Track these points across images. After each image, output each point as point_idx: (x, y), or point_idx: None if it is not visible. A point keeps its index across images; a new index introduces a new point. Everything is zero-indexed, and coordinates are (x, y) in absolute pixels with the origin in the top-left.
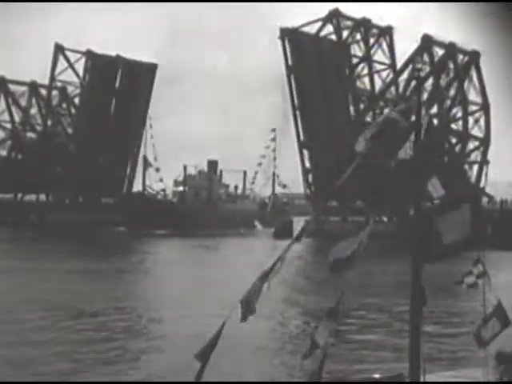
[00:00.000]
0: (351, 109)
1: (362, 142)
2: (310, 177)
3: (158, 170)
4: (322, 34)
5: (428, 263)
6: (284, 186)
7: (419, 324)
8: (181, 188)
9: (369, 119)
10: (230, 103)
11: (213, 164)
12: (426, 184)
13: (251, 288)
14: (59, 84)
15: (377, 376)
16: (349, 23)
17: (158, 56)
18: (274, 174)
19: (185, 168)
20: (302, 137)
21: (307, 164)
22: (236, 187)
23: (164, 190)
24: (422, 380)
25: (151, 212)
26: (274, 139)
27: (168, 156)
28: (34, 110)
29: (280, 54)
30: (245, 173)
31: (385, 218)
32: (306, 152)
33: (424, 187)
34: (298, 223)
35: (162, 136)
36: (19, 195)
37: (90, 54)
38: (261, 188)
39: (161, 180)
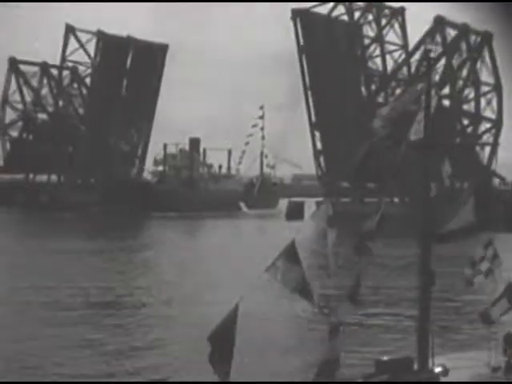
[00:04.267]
0: (363, 89)
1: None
2: (322, 158)
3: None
4: (334, 14)
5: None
6: (272, 167)
7: (428, 306)
8: (160, 167)
9: (381, 100)
10: (237, 83)
11: (195, 142)
12: (436, 165)
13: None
14: (70, 64)
15: (385, 358)
16: (361, 4)
17: (167, 36)
18: (262, 154)
19: (165, 146)
20: (313, 118)
21: (318, 145)
22: (220, 167)
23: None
24: (430, 362)
25: (123, 193)
26: (262, 117)
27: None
28: (45, 91)
29: (292, 34)
30: (229, 152)
31: (396, 200)
32: (317, 133)
33: (433, 168)
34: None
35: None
36: (30, 176)
37: (100, 35)
38: (247, 168)
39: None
